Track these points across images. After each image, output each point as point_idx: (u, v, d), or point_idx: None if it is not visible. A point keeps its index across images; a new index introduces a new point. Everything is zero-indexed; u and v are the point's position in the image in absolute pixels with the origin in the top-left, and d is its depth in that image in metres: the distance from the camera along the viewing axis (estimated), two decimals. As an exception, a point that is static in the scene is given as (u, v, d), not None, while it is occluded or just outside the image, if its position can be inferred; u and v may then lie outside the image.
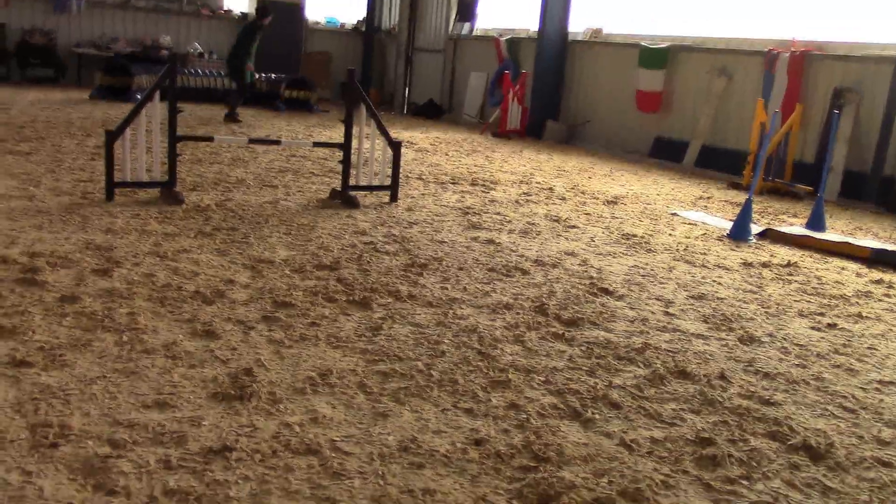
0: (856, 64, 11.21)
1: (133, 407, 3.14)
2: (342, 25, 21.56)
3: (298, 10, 19.99)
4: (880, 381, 4.21)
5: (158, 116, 6.96)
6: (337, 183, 8.19)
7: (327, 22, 21.34)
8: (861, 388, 4.11)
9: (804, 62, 11.70)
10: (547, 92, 15.92)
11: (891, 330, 5.15)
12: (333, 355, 3.85)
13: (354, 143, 7.64)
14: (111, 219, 6.12)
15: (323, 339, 4.05)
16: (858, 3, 11.41)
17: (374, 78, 21.20)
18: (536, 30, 16.05)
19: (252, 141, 8.04)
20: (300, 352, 3.86)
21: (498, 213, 7.81)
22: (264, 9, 13.70)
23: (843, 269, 6.78)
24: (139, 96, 13.19)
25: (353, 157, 7.71)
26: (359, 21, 21.63)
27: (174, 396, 3.26)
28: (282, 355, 3.80)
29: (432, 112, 18.61)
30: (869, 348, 4.76)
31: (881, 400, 3.96)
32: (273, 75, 17.00)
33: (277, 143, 8.62)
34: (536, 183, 9.95)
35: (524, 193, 9.09)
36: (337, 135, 10.34)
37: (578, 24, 15.88)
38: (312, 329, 4.18)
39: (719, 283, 5.92)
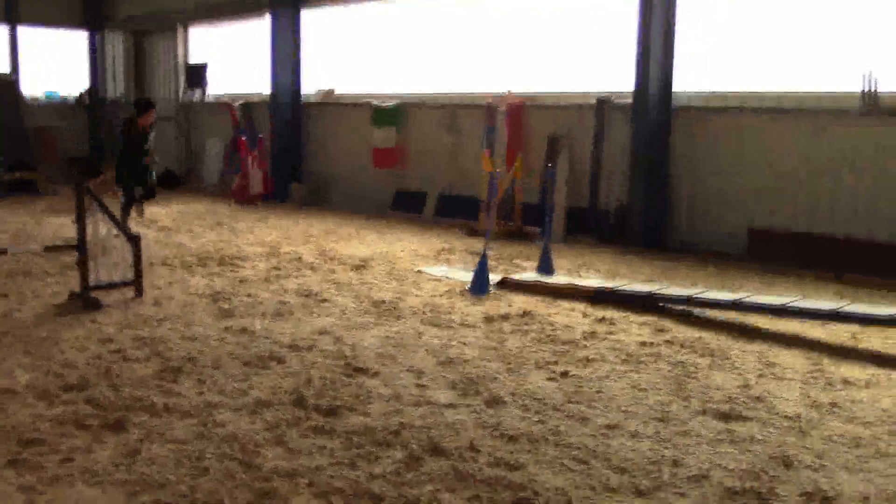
0: (565, 112, 12.36)
1: None
2: (64, 99, 20.52)
3: (13, 85, 18.80)
4: (607, 426, 4.74)
5: None
6: (76, 282, 7.86)
7: (47, 96, 20.24)
8: (591, 435, 4.62)
9: (521, 113, 12.71)
10: (286, 154, 16.09)
11: (613, 370, 5.79)
12: (91, 494, 3.78)
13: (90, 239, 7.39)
14: None
15: (78, 476, 3.96)
16: (562, 58, 12.59)
17: (107, 152, 20.34)
18: (269, 94, 16.21)
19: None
20: (55, 496, 3.76)
21: (249, 295, 7.85)
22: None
23: (571, 310, 7.47)
24: None
25: (92, 253, 7.45)
26: (82, 93, 20.69)
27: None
28: (35, 504, 3.68)
29: (171, 182, 18.15)
30: (597, 392, 5.33)
31: (608, 445, 4.47)
32: (-12, 159, 15.90)
33: (3, 252, 8.10)
34: (285, 253, 10.07)
35: (274, 268, 9.18)
36: (69, 222, 9.87)
37: (310, 87, 16.21)
38: (66, 466, 4.06)
39: (465, 344, 6.35)
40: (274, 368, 5.67)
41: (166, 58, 19.48)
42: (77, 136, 20.01)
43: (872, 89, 9.61)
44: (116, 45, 20.59)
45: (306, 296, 7.86)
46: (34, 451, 4.24)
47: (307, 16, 16.03)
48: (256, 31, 16.74)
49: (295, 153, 16.22)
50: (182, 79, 18.90)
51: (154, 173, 12.02)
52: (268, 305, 7.46)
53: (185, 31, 19.12)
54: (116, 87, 20.57)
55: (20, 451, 4.22)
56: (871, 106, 9.57)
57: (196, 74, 18.36)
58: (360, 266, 9.36)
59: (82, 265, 7.32)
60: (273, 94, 16.07)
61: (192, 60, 18.85)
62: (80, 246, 7.34)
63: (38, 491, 3.81)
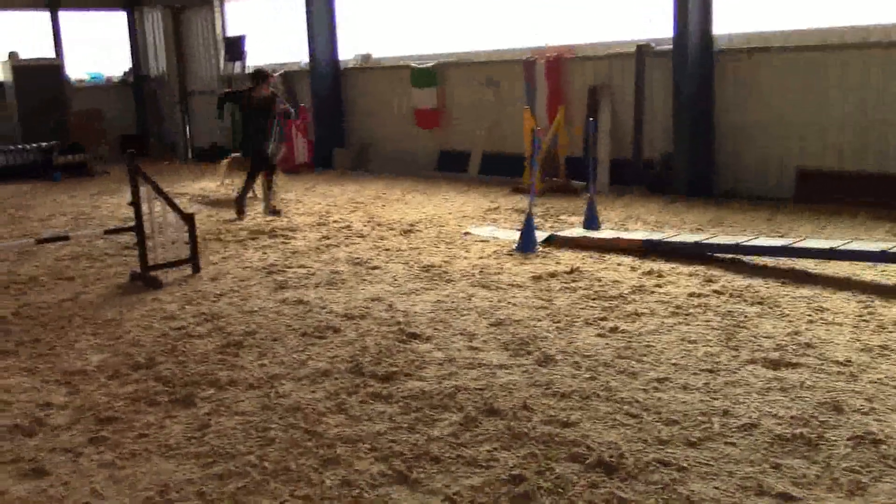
0: (604, 62, 12.27)
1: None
2: (108, 79, 20.88)
3: (58, 70, 19.18)
4: (658, 380, 4.84)
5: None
6: (135, 262, 8.13)
7: (91, 78, 20.60)
8: (642, 389, 4.72)
9: (560, 66, 12.65)
10: (329, 121, 16.23)
11: (663, 323, 5.87)
12: (167, 467, 4.01)
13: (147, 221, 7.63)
14: None
15: (154, 450, 4.19)
16: (600, 7, 12.47)
17: (151, 128, 20.71)
18: (307, 62, 16.32)
19: (40, 241, 7.83)
20: (134, 471, 3.99)
21: (301, 266, 8.05)
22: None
23: (619, 264, 7.54)
24: None
25: (148, 233, 7.69)
26: (125, 72, 21.03)
27: (17, 552, 3.34)
28: (116, 479, 3.92)
29: (218, 156, 18.42)
30: (646, 346, 5.42)
31: (659, 398, 4.58)
32: (43, 144, 16.33)
33: (66, 238, 8.40)
34: (334, 222, 10.25)
35: (324, 237, 9.37)
36: (124, 202, 10.18)
37: (349, 52, 16.28)
38: (142, 442, 4.30)
39: (514, 305, 6.46)
40: (330, 338, 5.86)
41: (205, 32, 19.65)
42: (123, 116, 20.35)
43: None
44: (155, 22, 20.80)
45: (357, 264, 8.03)
46: (111, 428, 4.49)
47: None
48: (292, 1, 16.81)
49: (337, 120, 16.35)
50: (221, 52, 19.07)
51: (274, 143, 11.39)
52: (320, 276, 7.64)
53: (222, 4, 19.25)
54: (158, 64, 20.82)
55: (98, 429, 4.47)
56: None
57: (234, 47, 18.49)
58: (408, 231, 9.51)
59: (141, 245, 7.57)
60: (311, 63, 16.18)
61: (230, 33, 19.00)
62: (138, 227, 7.59)
63: (118, 466, 4.05)
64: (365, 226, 9.93)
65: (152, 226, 7.72)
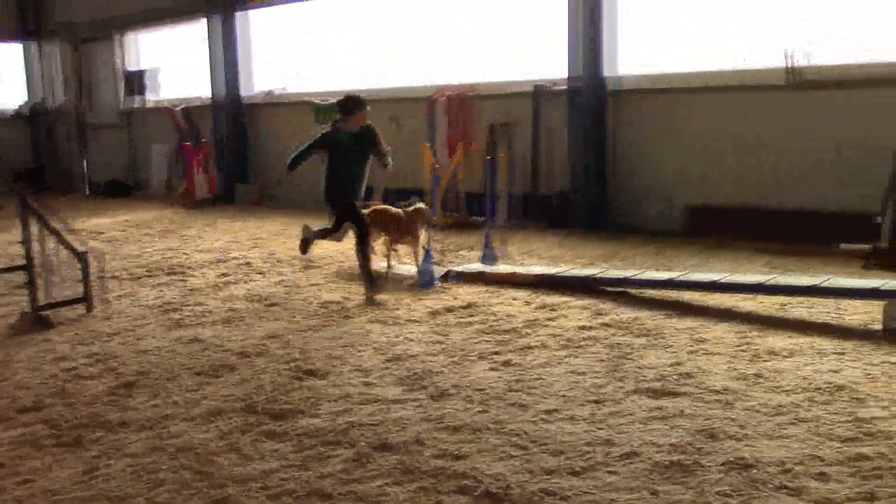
0: (505, 101, 12.60)
1: None
2: (2, 112, 20.29)
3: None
4: (546, 412, 4.99)
5: None
6: (26, 301, 7.92)
7: (-15, 110, 20.02)
8: (531, 421, 4.87)
9: (462, 104, 12.92)
10: (232, 156, 16.14)
11: (553, 356, 6.05)
12: (52, 513, 3.94)
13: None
14: None
15: (39, 496, 4.11)
16: (502, 48, 12.85)
17: (49, 162, 20.17)
18: (210, 96, 16.24)
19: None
20: (16, 518, 3.91)
21: (199, 304, 7.99)
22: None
23: (514, 299, 7.72)
24: None
25: (39, 271, 7.53)
26: (20, 105, 20.47)
27: None
28: (-3, 526, 3.84)
29: (118, 191, 18.09)
30: (537, 379, 5.58)
31: (547, 430, 4.73)
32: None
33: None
34: (234, 259, 10.19)
35: (222, 274, 9.31)
36: (17, 238, 9.89)
37: (254, 87, 16.28)
38: (25, 488, 4.21)
39: (410, 340, 6.56)
40: (225, 376, 5.84)
41: (106, 65, 19.35)
42: (19, 149, 19.81)
43: (795, 65, 9.99)
44: (54, 55, 20.37)
45: (255, 301, 8.01)
46: (-6, 474, 4.38)
47: (250, 17, 16.06)
48: (196, 35, 16.73)
49: (241, 155, 16.29)
50: (122, 85, 18.80)
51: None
52: (217, 313, 7.60)
53: (122, 37, 19.00)
54: (55, 97, 20.36)
55: (-21, 476, 4.36)
56: (795, 81, 9.95)
57: (135, 81, 18.29)
58: (309, 267, 9.52)
59: (31, 284, 7.39)
60: (214, 97, 16.11)
61: (135, 66, 18.76)
62: (28, 265, 7.41)
63: (-1, 514, 3.96)
64: (265, 262, 9.91)
65: (44, 263, 7.55)
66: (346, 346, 6.45)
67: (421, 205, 9.18)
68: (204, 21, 16.05)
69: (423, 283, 8.33)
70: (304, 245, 9.28)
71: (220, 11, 15.85)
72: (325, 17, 15.15)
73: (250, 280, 8.99)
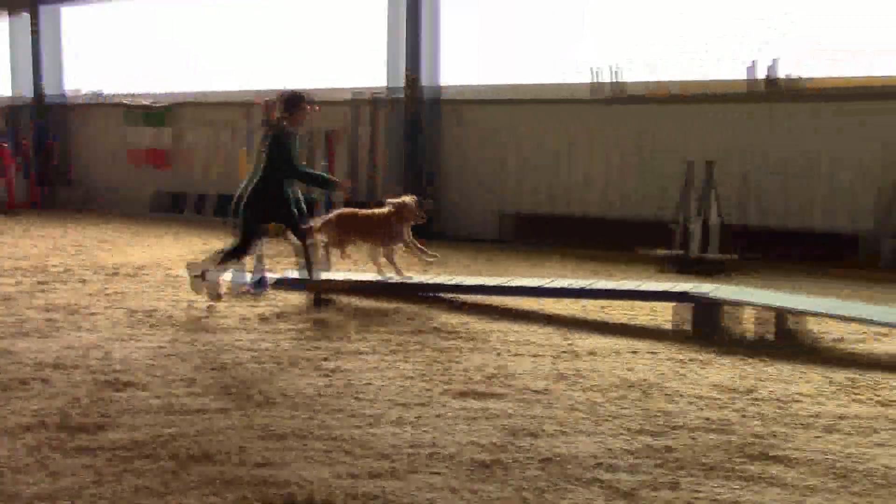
0: (330, 108, 12.58)
1: None
2: None
3: None
4: (373, 416, 5.01)
5: None
6: None
7: None
8: (357, 426, 4.87)
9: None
10: (52, 160, 15.34)
11: (383, 360, 6.09)
12: None
13: None
14: None
15: None
16: (328, 55, 12.83)
17: None
18: (31, 96, 15.38)
19: None
20: None
21: (12, 314, 7.52)
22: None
23: (345, 305, 7.72)
24: None
25: None
26: None
27: None
28: None
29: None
30: (366, 384, 5.59)
31: (373, 434, 4.74)
32: None
33: None
34: (53, 266, 9.66)
35: (39, 283, 8.80)
36: None
37: (75, 87, 15.53)
38: None
39: (238, 348, 6.43)
40: (37, 389, 5.52)
41: None
42: None
43: (601, 80, 10.54)
44: None
45: (73, 311, 7.62)
46: None
47: (63, 14, 15.31)
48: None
49: (62, 158, 15.49)
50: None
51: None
52: (32, 324, 7.18)
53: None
54: None
55: None
56: (600, 94, 10.51)
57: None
58: (133, 274, 9.17)
59: None
60: (35, 97, 15.25)
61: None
62: None
63: None
64: (86, 270, 9.45)
65: None
66: (170, 356, 6.24)
67: (406, 198, 8.10)
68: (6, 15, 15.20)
69: (254, 289, 8.19)
70: (200, 283, 7.86)
71: (27, 7, 15.05)
72: (142, 18, 14.68)
73: (70, 288, 8.54)
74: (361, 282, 8.26)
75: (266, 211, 7.71)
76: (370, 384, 5.59)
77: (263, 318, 7.25)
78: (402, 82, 11.22)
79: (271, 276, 8.63)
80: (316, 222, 8.09)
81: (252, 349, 6.40)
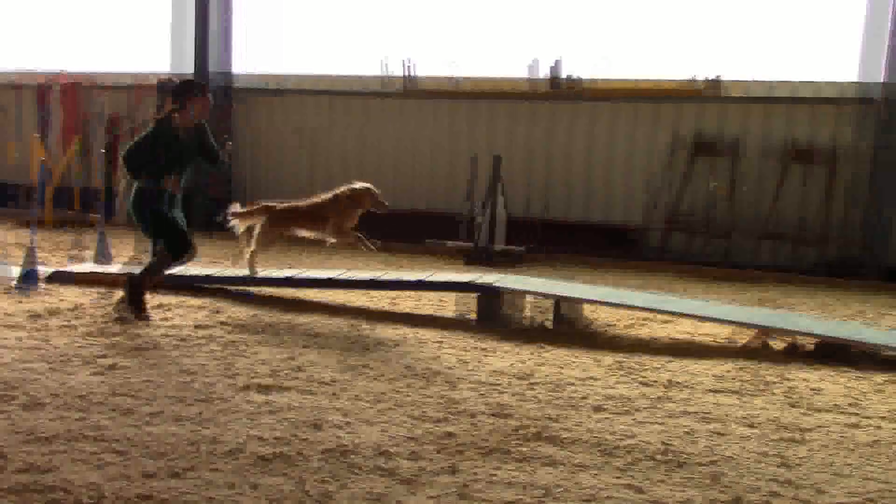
0: (126, 93, 12.00)
1: None
2: None
3: None
4: (151, 414, 4.82)
5: None
6: None
7: None
8: (134, 425, 4.67)
9: (77, 94, 12.07)
10: None
11: (165, 356, 5.87)
12: None
13: None
14: None
15: None
16: (124, 37, 12.20)
17: None
18: None
19: None
20: None
21: None
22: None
23: (79, 305, 7.37)
24: None
25: None
26: None
27: None
28: None
29: None
30: (145, 381, 5.37)
31: (150, 433, 4.56)
32: None
33: None
34: None
35: None
36: None
37: None
38: None
39: (4, 347, 5.99)
40: None
41: None
42: None
43: (410, 74, 10.69)
44: None
45: None
46: None
47: None
48: None
49: None
50: None
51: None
52: None
53: None
54: None
55: None
56: (391, 87, 10.67)
57: None
58: None
59: None
60: None
61: None
62: None
63: None
64: None
65: None
66: (-77, 358, 5.72)
67: (358, 184, 7.41)
68: None
69: (25, 284, 7.65)
70: (136, 297, 6.88)
71: None
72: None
73: None
74: (125, 275, 7.88)
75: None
76: (149, 381, 5.37)
77: (34, 315, 6.79)
78: (189, 69, 10.83)
79: (44, 269, 8.10)
80: (237, 210, 7.46)
81: (19, 347, 5.98)
